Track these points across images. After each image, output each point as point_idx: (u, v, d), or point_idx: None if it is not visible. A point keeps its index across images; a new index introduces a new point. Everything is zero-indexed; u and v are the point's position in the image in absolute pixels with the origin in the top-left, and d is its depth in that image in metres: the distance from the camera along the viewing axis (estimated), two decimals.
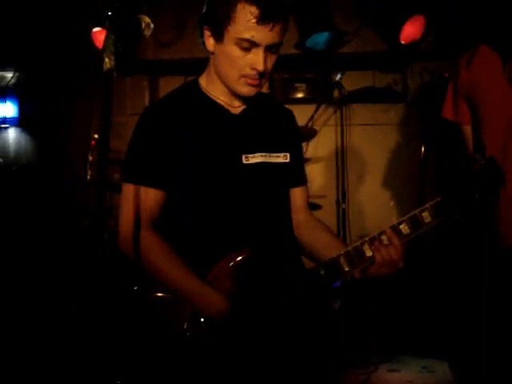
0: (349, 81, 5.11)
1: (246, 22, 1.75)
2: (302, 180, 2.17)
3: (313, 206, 4.74)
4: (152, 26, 1.72)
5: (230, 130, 1.97)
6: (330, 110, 5.38)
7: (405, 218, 1.82)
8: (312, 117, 4.92)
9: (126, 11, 1.61)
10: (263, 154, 1.98)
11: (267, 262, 1.90)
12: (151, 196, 1.91)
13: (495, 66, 2.76)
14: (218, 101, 1.99)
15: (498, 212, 2.73)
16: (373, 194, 5.38)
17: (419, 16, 4.64)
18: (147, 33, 1.72)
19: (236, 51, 1.80)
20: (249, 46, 1.78)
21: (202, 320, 1.80)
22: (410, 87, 5.35)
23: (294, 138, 2.15)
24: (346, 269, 1.82)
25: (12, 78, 5.56)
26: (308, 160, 5.05)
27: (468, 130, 2.92)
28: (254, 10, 1.73)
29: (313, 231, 2.10)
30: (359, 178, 5.36)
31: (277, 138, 2.05)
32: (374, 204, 5.35)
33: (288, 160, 2.04)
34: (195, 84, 2.04)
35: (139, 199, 1.90)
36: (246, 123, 2.01)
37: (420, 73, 5.18)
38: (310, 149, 5.12)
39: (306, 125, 4.88)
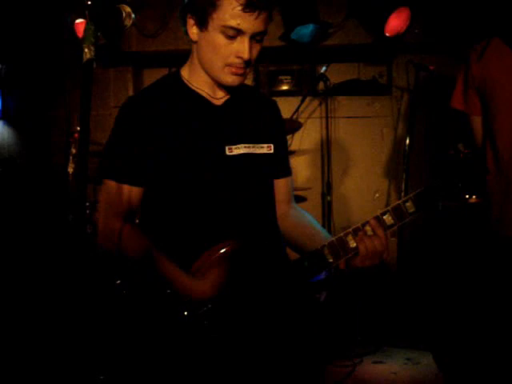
0: (334, 73, 5.11)
1: (231, 10, 1.73)
2: (286, 171, 2.16)
3: (298, 198, 4.74)
4: (133, 15, 1.70)
5: (213, 121, 1.96)
6: (315, 103, 5.38)
7: (388, 208, 1.82)
8: (297, 109, 4.92)
9: (105, 0, 1.60)
10: (247, 145, 1.97)
11: (251, 254, 1.89)
12: (129, 192, 1.90)
13: (508, 60, 2.77)
14: (200, 92, 1.96)
15: (493, 200, 2.76)
16: (358, 185, 5.39)
17: (404, 8, 4.64)
18: (128, 23, 1.70)
19: (221, 39, 1.78)
20: (234, 33, 1.76)
21: (185, 313, 1.78)
22: (395, 80, 5.35)
23: (278, 128, 2.13)
24: (330, 260, 1.82)
25: None
26: (293, 152, 5.06)
27: (478, 120, 2.95)
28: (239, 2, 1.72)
29: (297, 223, 2.10)
30: (344, 171, 5.37)
31: (260, 129, 2.04)
32: (359, 196, 5.36)
33: (272, 151, 2.02)
34: (177, 75, 2.01)
35: (117, 195, 1.91)
36: (229, 114, 1.99)
37: (405, 65, 5.17)
38: (295, 141, 5.13)
39: (291, 117, 4.88)
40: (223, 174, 1.92)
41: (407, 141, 4.56)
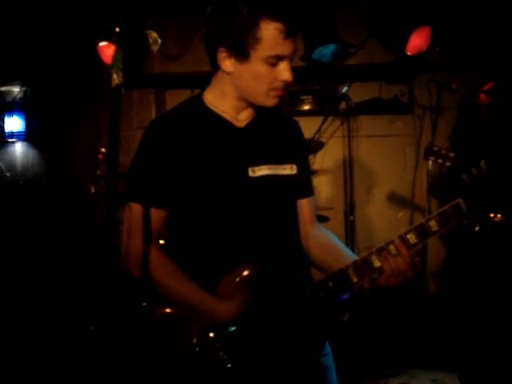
0: (355, 92, 5.10)
1: (273, 40, 1.75)
2: (309, 191, 2.14)
3: (320, 218, 4.71)
4: (159, 41, 1.71)
5: (235, 143, 1.95)
6: (337, 122, 5.37)
7: (412, 227, 1.81)
8: (319, 129, 4.90)
9: (132, 26, 1.62)
10: (270, 166, 1.96)
11: (275, 275, 1.88)
12: (154, 215, 1.87)
13: None
14: (224, 115, 1.96)
15: None
16: (380, 205, 5.37)
17: (425, 27, 4.64)
18: (154, 48, 1.72)
19: (264, 68, 1.79)
20: (276, 60, 1.78)
21: (211, 335, 1.78)
22: (417, 98, 5.34)
23: (301, 149, 2.12)
24: (355, 280, 1.81)
25: (19, 92, 5.58)
26: (315, 172, 5.04)
27: None
28: (279, 26, 1.73)
29: (321, 242, 2.08)
30: (367, 190, 5.35)
31: (283, 150, 2.02)
32: (382, 215, 5.33)
33: (295, 172, 2.01)
34: (199, 99, 2.01)
35: (143, 217, 1.87)
36: (251, 136, 1.98)
37: (427, 84, 5.16)
38: (318, 161, 5.11)
39: (313, 137, 4.87)
40: (246, 195, 1.91)
41: (430, 164, 4.54)
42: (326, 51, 4.87)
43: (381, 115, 5.38)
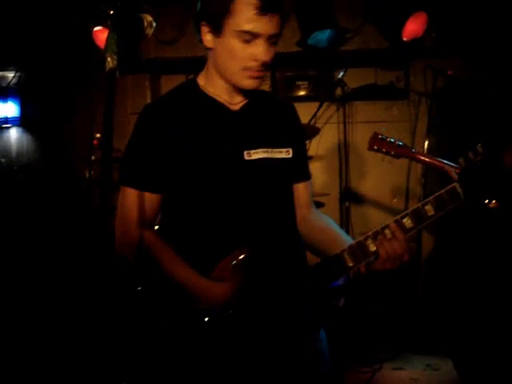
0: (351, 78, 5.10)
1: (245, 14, 1.73)
2: (305, 175, 2.14)
3: (316, 204, 4.70)
4: (154, 24, 1.70)
5: (231, 126, 1.95)
6: (333, 108, 5.37)
7: (408, 211, 1.80)
8: (314, 115, 4.91)
9: (127, 10, 1.61)
10: (266, 149, 1.95)
11: (270, 259, 1.89)
12: (149, 199, 1.91)
13: None
14: (217, 98, 1.96)
15: None
16: (376, 191, 5.37)
17: (421, 13, 4.63)
18: (149, 32, 1.70)
19: (237, 44, 1.77)
20: (250, 37, 1.75)
21: (206, 319, 1.79)
22: (413, 84, 5.34)
23: (297, 132, 2.11)
24: (350, 264, 1.80)
25: (13, 77, 5.56)
26: (311, 158, 5.04)
27: None
28: (253, 1, 1.71)
29: (317, 226, 2.06)
30: (362, 176, 5.35)
31: (279, 133, 2.02)
32: (377, 201, 5.34)
33: (291, 155, 2.00)
34: (193, 83, 2.01)
35: (137, 202, 1.91)
36: (246, 119, 1.98)
37: (423, 70, 5.15)
38: (313, 147, 5.11)
39: (309, 123, 4.87)
40: (242, 178, 1.91)
41: (425, 145, 4.54)
42: (322, 36, 4.85)
43: (376, 101, 5.38)
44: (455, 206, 1.78)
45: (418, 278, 4.61)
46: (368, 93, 5.31)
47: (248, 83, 1.87)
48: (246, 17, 1.73)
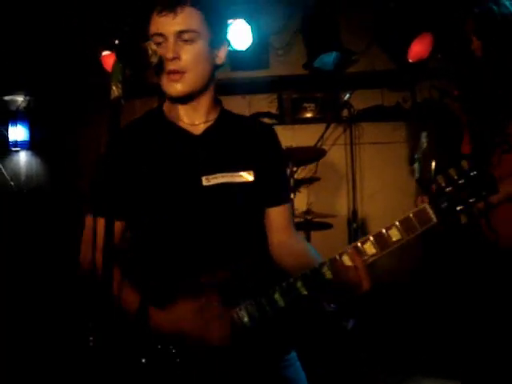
0: (357, 100, 5.13)
1: (152, 20, 1.78)
2: (277, 200, 2.01)
3: (324, 226, 4.73)
4: (158, 53, 1.72)
5: (190, 151, 1.89)
6: (340, 130, 5.38)
7: (369, 236, 1.67)
8: (321, 136, 4.93)
9: (132, 39, 1.63)
10: (224, 174, 1.87)
11: (230, 285, 1.77)
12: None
13: None
14: (179, 123, 1.92)
15: (499, 213, 2.71)
16: (383, 212, 5.35)
17: (427, 34, 4.65)
18: (154, 60, 1.71)
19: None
20: (159, 40, 1.77)
21: (143, 361, 1.74)
22: (419, 105, 5.34)
23: (264, 154, 1.97)
24: (304, 292, 1.69)
25: (22, 101, 5.61)
26: (318, 179, 5.06)
27: None
28: (157, 7, 1.76)
29: (292, 252, 1.95)
30: (370, 197, 5.35)
31: (240, 156, 1.92)
32: (385, 222, 5.30)
33: (252, 178, 1.89)
34: (159, 109, 1.99)
35: (93, 229, 1.80)
36: (207, 143, 1.91)
37: (429, 90, 5.17)
38: (320, 168, 5.13)
39: (316, 144, 4.89)
40: (199, 205, 1.84)
41: (433, 166, 4.54)
42: (328, 59, 4.89)
43: (383, 122, 5.38)
44: (426, 230, 1.65)
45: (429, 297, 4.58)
46: (375, 114, 5.32)
47: (171, 89, 1.82)
48: (152, 22, 1.78)
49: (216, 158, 1.89)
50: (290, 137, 5.05)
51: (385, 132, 5.40)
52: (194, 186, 1.84)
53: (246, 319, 1.73)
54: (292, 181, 4.68)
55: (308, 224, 4.69)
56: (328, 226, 4.70)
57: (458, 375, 3.96)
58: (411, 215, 1.64)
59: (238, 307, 1.74)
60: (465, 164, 1.60)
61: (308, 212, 4.77)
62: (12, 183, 5.54)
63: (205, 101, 1.91)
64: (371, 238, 1.66)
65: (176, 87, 1.81)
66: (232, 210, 1.87)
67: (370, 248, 1.66)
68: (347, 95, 4.90)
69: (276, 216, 2.00)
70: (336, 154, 5.34)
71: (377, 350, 4.25)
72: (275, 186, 1.99)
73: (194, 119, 1.92)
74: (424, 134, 2.70)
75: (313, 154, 4.82)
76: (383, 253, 1.66)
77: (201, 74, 1.83)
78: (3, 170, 5.59)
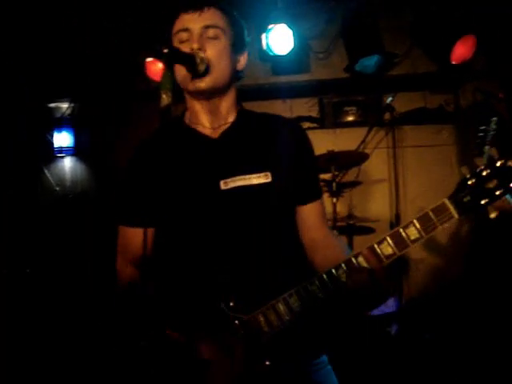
0: (399, 102, 5.09)
1: (177, 19, 1.85)
2: (305, 197, 1.97)
3: (367, 230, 4.71)
4: (206, 61, 1.75)
5: (208, 156, 1.90)
6: (382, 133, 5.34)
7: (385, 235, 1.61)
8: (363, 140, 4.90)
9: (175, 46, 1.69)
10: (241, 176, 1.85)
11: (257, 289, 1.77)
12: (131, 234, 1.95)
13: None
14: (198, 127, 1.94)
15: None
16: None
17: (470, 36, 4.59)
18: (202, 68, 1.74)
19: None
20: (185, 36, 1.82)
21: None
22: (463, 107, 5.28)
23: (286, 152, 1.94)
24: (320, 296, 1.66)
25: (67, 108, 5.71)
26: (360, 183, 5.03)
27: None
28: (182, 7, 1.84)
29: (324, 250, 1.90)
30: (412, 201, 5.29)
31: (257, 157, 1.90)
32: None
33: (269, 179, 1.85)
34: (180, 116, 2.02)
35: (124, 238, 1.99)
36: (225, 146, 1.91)
37: (472, 93, 5.10)
38: (362, 172, 5.09)
39: (357, 148, 4.87)
40: (218, 209, 1.83)
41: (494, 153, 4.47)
42: (370, 62, 4.87)
43: (426, 125, 5.32)
44: (444, 225, 1.58)
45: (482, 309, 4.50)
46: (417, 117, 5.27)
47: (195, 83, 1.82)
48: (177, 20, 1.85)
49: (233, 161, 1.89)
50: (331, 141, 5.04)
51: (427, 135, 5.33)
52: (213, 191, 1.85)
53: (265, 327, 1.70)
54: (334, 185, 4.66)
55: (350, 228, 4.67)
56: (370, 231, 4.67)
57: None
58: (430, 212, 1.59)
59: (256, 312, 1.71)
60: (494, 152, 1.54)
61: (350, 216, 4.76)
62: (57, 188, 5.64)
63: (225, 103, 1.94)
64: (388, 238, 1.60)
65: (201, 80, 1.82)
66: (250, 212, 1.85)
67: (386, 248, 1.60)
68: (390, 98, 4.87)
69: (306, 214, 1.97)
70: (378, 158, 5.30)
71: (422, 357, 4.19)
72: (300, 183, 1.95)
73: (213, 122, 1.94)
74: (494, 120, 2.57)
75: (355, 158, 4.80)
76: (401, 253, 1.61)
77: (223, 71, 1.86)
78: (49, 176, 5.70)
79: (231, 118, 1.95)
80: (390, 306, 4.25)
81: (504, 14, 4.53)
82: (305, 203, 1.96)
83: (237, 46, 1.91)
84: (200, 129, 1.94)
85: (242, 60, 1.96)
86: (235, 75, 1.94)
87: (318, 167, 2.06)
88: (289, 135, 1.98)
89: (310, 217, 1.97)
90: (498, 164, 1.51)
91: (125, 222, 1.98)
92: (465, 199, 1.55)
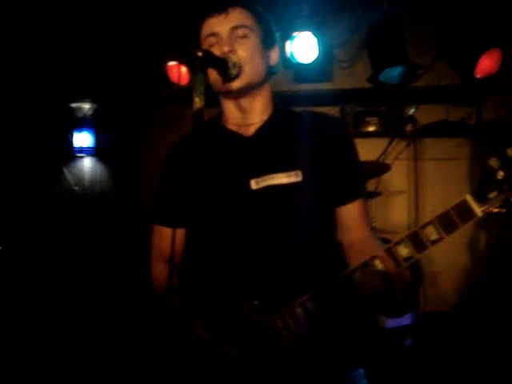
0: (422, 114, 5.05)
1: (203, 24, 1.85)
2: (343, 197, 1.88)
3: (384, 241, 4.66)
4: (238, 64, 1.75)
5: (241, 154, 1.88)
6: (403, 144, 5.31)
7: (403, 236, 1.52)
8: (385, 151, 4.88)
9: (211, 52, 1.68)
10: (273, 175, 1.81)
11: (288, 294, 1.69)
12: (164, 234, 1.97)
13: None
14: (231, 127, 1.93)
15: None
16: None
17: (496, 49, 4.56)
18: (234, 72, 1.74)
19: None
20: (212, 40, 1.81)
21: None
22: (485, 121, 5.24)
23: (321, 149, 1.86)
24: (334, 299, 1.59)
25: (89, 109, 5.74)
26: (380, 194, 5.00)
27: None
28: (207, 12, 1.83)
29: (361, 253, 1.72)
30: (431, 214, 5.23)
31: (289, 156, 1.85)
32: (447, 240, 5.21)
33: (300, 178, 1.80)
34: (217, 116, 2.01)
35: (159, 238, 2.02)
36: (257, 144, 1.88)
37: (495, 107, 5.06)
38: (382, 183, 5.07)
39: (378, 159, 4.84)
40: (247, 209, 1.81)
41: None
42: (393, 73, 4.84)
43: (447, 138, 5.28)
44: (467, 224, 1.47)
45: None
46: (439, 129, 5.23)
47: (229, 84, 1.81)
48: (204, 26, 1.85)
49: (265, 160, 1.85)
50: None
51: (449, 148, 5.29)
52: (243, 191, 1.82)
53: (283, 330, 1.65)
54: None
55: None
56: (389, 242, 4.63)
57: None
58: (450, 210, 1.49)
59: (275, 316, 1.67)
60: (494, 162, 1.42)
61: None
62: (76, 188, 5.66)
63: (259, 101, 1.92)
64: (406, 239, 1.51)
65: (234, 82, 1.80)
66: (279, 212, 1.80)
67: (403, 250, 1.51)
68: (413, 109, 4.85)
69: (345, 215, 1.89)
70: (398, 169, 5.26)
71: (436, 370, 4.15)
72: (337, 182, 1.87)
73: (247, 120, 1.91)
74: None
75: (376, 169, 4.77)
76: (420, 255, 1.51)
77: (256, 69, 1.85)
78: (67, 175, 5.72)
79: (266, 116, 1.92)
80: (405, 318, 4.22)
81: None
82: (343, 203, 1.88)
83: (266, 41, 1.90)
84: (233, 128, 1.93)
85: (274, 55, 1.94)
86: (269, 71, 1.92)
87: (359, 165, 1.96)
88: (326, 132, 1.91)
89: (350, 218, 1.88)
90: None
91: (159, 221, 2.01)
92: (491, 195, 1.44)
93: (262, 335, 1.67)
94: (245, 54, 1.80)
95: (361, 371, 1.89)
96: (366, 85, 5.06)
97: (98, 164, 5.81)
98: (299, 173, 1.80)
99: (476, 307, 4.71)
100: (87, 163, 5.83)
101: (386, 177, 5.01)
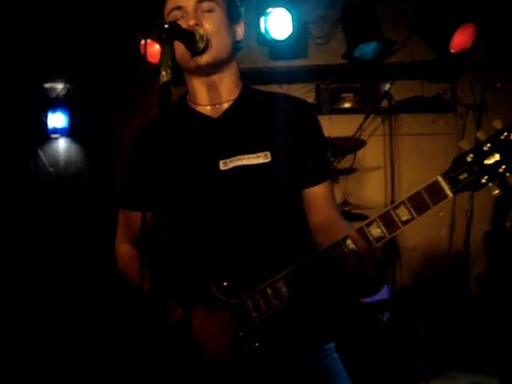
0: (397, 90, 5.06)
1: None
2: (310, 179, 1.88)
3: (361, 217, 4.69)
4: (205, 37, 1.72)
5: (209, 136, 1.87)
6: (378, 120, 5.32)
7: (375, 217, 1.51)
8: (360, 127, 4.89)
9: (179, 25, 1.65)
10: (241, 156, 1.80)
11: (257, 273, 1.69)
12: (132, 217, 1.99)
13: None
14: (199, 108, 1.91)
15: None
16: None
17: (469, 24, 4.57)
18: (201, 45, 1.72)
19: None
20: (179, 14, 1.80)
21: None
22: (460, 97, 5.26)
23: (289, 131, 1.85)
24: (308, 281, 1.58)
25: (62, 89, 5.66)
26: (355, 170, 5.02)
27: None
28: None
29: (328, 232, 1.78)
30: (408, 189, 5.26)
31: (257, 136, 1.84)
32: (423, 215, 5.26)
33: (269, 159, 1.79)
34: (182, 97, 1.99)
35: (123, 220, 2.08)
36: (225, 126, 1.87)
37: (470, 82, 5.09)
38: (358, 159, 5.08)
39: (354, 135, 4.85)
40: (217, 190, 1.80)
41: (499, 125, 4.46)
42: (368, 49, 4.84)
43: (423, 113, 5.30)
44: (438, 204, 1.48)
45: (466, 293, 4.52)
46: (414, 105, 5.24)
47: (196, 60, 1.79)
48: (168, 0, 1.84)
49: (233, 141, 1.84)
50: (327, 127, 4.97)
51: (424, 123, 5.33)
52: (212, 172, 1.81)
53: (253, 312, 1.65)
54: None
55: (345, 215, 4.64)
56: (365, 218, 4.64)
57: (497, 372, 3.92)
58: (422, 191, 1.49)
59: (245, 297, 1.67)
60: (498, 124, 1.42)
61: (345, 203, 4.74)
62: (51, 169, 5.60)
63: (226, 79, 1.90)
64: (377, 219, 1.51)
65: (201, 56, 1.78)
66: (248, 193, 1.79)
67: (375, 230, 1.51)
68: (388, 85, 4.84)
69: (312, 197, 1.88)
70: (374, 145, 5.28)
71: (414, 344, 4.20)
72: (304, 164, 1.86)
73: (216, 99, 1.90)
74: None
75: (352, 145, 4.77)
76: (391, 235, 1.52)
77: (223, 43, 1.83)
78: (42, 157, 5.66)
79: (234, 96, 1.91)
80: (382, 293, 4.25)
81: (503, 2, 4.51)
82: (310, 185, 1.87)
83: (232, 16, 1.89)
84: (200, 109, 1.91)
85: (240, 30, 1.93)
86: (235, 46, 1.91)
87: (326, 147, 1.98)
88: (293, 114, 1.90)
89: (317, 199, 1.88)
90: (503, 137, 1.40)
91: (126, 206, 2.03)
92: (461, 176, 1.45)
93: (231, 316, 1.66)
94: (211, 28, 1.78)
95: (332, 345, 1.90)
96: (341, 61, 5.06)
97: (72, 145, 5.74)
98: (268, 154, 1.80)
99: (452, 280, 4.77)
100: (62, 144, 5.76)
101: (361, 153, 5.03)
